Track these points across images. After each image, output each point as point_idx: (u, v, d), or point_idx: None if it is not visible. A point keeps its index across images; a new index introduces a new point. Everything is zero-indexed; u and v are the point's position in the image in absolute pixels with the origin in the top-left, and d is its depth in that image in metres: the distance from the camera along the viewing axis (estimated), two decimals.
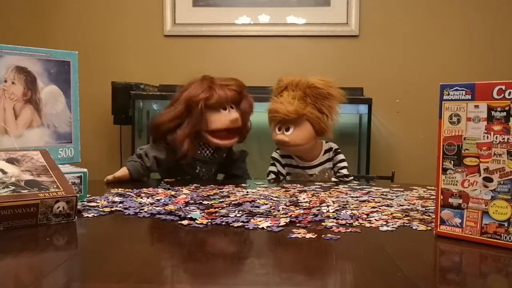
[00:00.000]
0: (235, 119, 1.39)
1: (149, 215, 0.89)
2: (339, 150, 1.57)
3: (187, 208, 0.93)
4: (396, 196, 1.11)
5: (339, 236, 0.76)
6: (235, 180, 1.45)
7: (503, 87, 0.69)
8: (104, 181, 1.29)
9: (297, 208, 0.94)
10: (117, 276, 0.58)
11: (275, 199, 1.04)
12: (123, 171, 1.33)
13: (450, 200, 0.75)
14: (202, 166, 1.45)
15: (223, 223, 0.82)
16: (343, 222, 0.84)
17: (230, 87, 1.40)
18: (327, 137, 1.51)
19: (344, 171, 1.52)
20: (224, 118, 1.38)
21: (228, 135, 1.42)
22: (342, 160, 1.54)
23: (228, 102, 1.39)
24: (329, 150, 1.56)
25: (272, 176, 1.54)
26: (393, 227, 0.81)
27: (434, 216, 0.78)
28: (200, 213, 0.88)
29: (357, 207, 0.97)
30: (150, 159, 1.38)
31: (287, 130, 1.44)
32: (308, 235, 0.75)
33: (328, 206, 0.97)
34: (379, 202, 1.03)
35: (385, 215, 0.90)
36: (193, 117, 1.36)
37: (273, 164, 1.56)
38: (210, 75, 1.44)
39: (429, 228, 0.81)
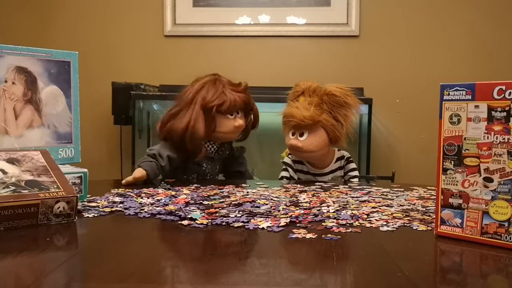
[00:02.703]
0: (240, 125, 1.44)
1: (149, 215, 0.89)
2: (351, 159, 1.57)
3: (187, 208, 0.93)
4: (397, 196, 1.11)
5: (339, 236, 0.76)
6: (236, 180, 1.45)
7: (503, 87, 0.69)
8: (122, 183, 1.27)
9: (298, 208, 0.94)
10: (117, 276, 0.58)
11: (275, 199, 1.04)
12: (140, 172, 1.31)
13: (451, 200, 0.75)
14: (208, 163, 1.47)
15: (223, 223, 0.82)
16: (344, 222, 0.84)
17: (240, 95, 1.43)
18: (340, 145, 1.50)
19: (355, 180, 1.52)
20: (230, 123, 1.43)
21: None
22: (353, 169, 1.55)
23: (236, 109, 1.43)
24: (341, 158, 1.56)
25: (285, 181, 1.52)
26: (393, 227, 0.81)
27: (434, 216, 0.78)
28: (201, 213, 0.88)
29: (358, 207, 0.97)
30: (164, 158, 1.38)
31: (301, 135, 1.43)
32: (309, 235, 0.75)
33: (328, 206, 0.97)
34: (380, 202, 1.03)
35: (386, 215, 0.90)
36: (207, 120, 1.40)
37: (286, 169, 1.55)
38: (219, 75, 1.46)
39: (429, 228, 0.81)
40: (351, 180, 1.53)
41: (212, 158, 1.48)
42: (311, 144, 1.42)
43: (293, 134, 1.44)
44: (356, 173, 1.54)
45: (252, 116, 1.51)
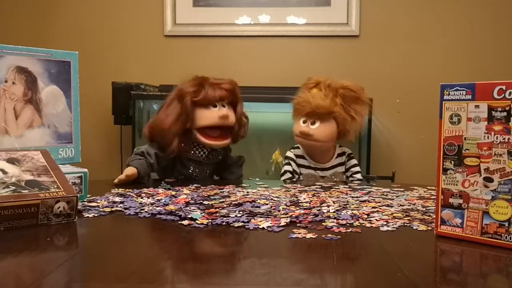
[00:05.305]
0: (224, 115, 1.37)
1: (149, 215, 0.89)
2: (353, 155, 1.59)
3: (188, 208, 0.93)
4: (397, 196, 1.11)
5: (339, 236, 0.76)
6: (235, 180, 1.45)
7: (504, 87, 0.69)
8: (115, 182, 1.26)
9: (298, 208, 0.94)
10: (117, 276, 0.58)
11: (276, 199, 1.04)
12: (132, 170, 1.30)
13: (451, 200, 0.75)
14: (195, 167, 1.45)
15: (224, 223, 0.82)
16: (344, 222, 0.84)
17: (222, 85, 1.39)
18: (348, 141, 1.53)
19: (358, 176, 1.55)
20: (212, 114, 1.37)
21: (221, 136, 1.41)
22: (355, 165, 1.57)
23: (218, 100, 1.38)
24: (342, 154, 1.58)
25: (289, 175, 1.55)
26: (393, 227, 0.81)
27: (434, 216, 0.78)
28: (201, 213, 0.88)
29: (358, 207, 0.97)
30: (152, 156, 1.38)
31: (313, 124, 1.46)
32: (309, 235, 0.75)
33: (328, 206, 0.97)
34: (380, 202, 1.03)
35: (386, 215, 0.90)
36: (182, 113, 1.36)
37: (288, 164, 1.57)
38: (204, 75, 1.44)
39: (429, 228, 0.81)
40: (354, 175, 1.54)
41: (200, 162, 1.45)
42: (322, 134, 1.45)
43: (304, 122, 1.47)
44: (358, 169, 1.57)
45: (242, 120, 1.45)
